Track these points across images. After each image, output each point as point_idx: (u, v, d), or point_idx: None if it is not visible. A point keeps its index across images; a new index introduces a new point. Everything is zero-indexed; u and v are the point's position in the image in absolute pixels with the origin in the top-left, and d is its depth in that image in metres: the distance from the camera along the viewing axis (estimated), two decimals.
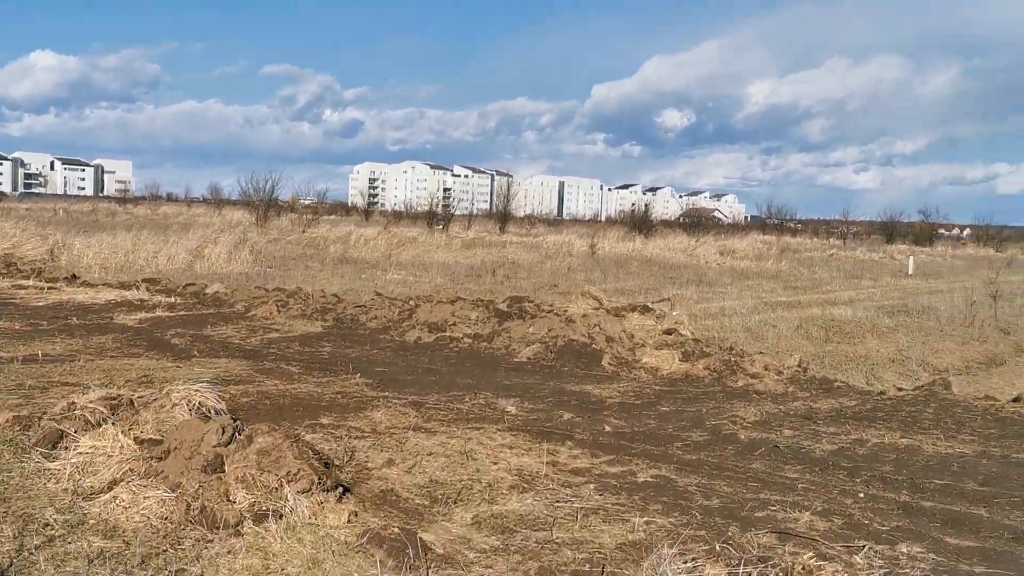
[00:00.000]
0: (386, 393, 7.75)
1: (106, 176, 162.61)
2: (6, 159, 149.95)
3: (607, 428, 6.89)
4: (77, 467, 4.97)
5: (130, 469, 4.87)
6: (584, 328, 10.82)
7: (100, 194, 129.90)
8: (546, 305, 13.10)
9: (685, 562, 4.12)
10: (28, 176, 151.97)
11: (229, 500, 4.46)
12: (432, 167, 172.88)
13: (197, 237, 23.50)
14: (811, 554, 4.25)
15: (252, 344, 10.24)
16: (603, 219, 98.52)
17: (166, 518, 4.39)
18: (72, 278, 16.24)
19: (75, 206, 62.35)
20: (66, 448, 5.23)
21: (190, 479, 4.58)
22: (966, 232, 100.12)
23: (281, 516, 4.42)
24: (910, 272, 31.86)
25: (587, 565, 4.24)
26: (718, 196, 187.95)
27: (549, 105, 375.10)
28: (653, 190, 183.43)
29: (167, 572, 3.87)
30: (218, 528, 4.27)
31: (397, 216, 61.37)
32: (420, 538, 4.32)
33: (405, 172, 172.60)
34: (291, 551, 4.16)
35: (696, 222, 61.31)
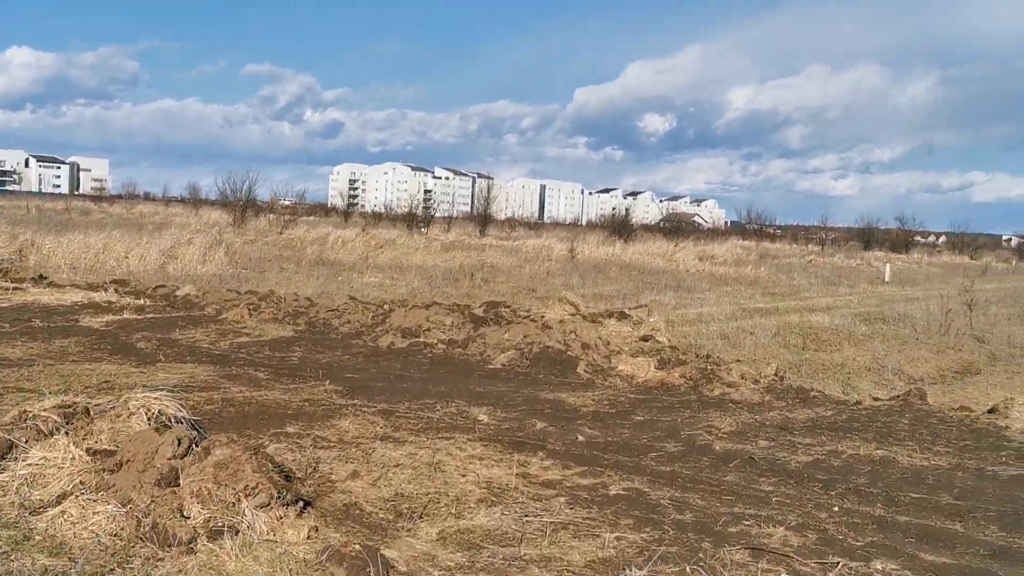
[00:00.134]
0: (355, 401, 7.57)
1: (82, 174, 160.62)
2: None
3: (580, 438, 6.76)
4: (25, 479, 4.75)
5: (81, 482, 4.67)
6: (560, 334, 10.70)
7: (76, 192, 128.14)
8: (523, 310, 12.96)
9: None
10: (2, 173, 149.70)
11: (183, 516, 4.28)
12: (413, 169, 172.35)
13: (171, 237, 23.15)
14: (784, 573, 4.14)
15: (221, 348, 10.02)
16: (584, 223, 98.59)
17: (116, 534, 4.20)
18: (39, 278, 15.89)
19: (49, 204, 61.40)
20: (15, 459, 5.01)
21: (142, 493, 4.39)
22: (941, 239, 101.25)
23: (237, 532, 4.25)
24: (887, 279, 32.07)
25: None
26: (698, 201, 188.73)
27: (531, 108, 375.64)
28: (634, 194, 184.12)
29: None
30: (170, 545, 4.09)
31: (377, 218, 61.01)
32: (382, 555, 4.16)
33: (386, 173, 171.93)
34: (246, 570, 3.98)
35: (676, 227, 61.53)
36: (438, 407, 7.51)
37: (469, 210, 79.84)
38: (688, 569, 4.27)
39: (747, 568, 4.38)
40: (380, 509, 4.97)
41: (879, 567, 4.47)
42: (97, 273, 18.23)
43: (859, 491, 5.71)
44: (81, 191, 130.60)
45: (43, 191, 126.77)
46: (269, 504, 4.44)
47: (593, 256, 34.44)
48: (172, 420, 5.62)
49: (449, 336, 11.09)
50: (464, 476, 5.60)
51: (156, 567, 3.94)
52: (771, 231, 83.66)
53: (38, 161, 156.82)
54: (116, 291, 14.58)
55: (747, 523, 5.01)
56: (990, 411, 7.94)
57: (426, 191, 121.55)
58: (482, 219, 55.76)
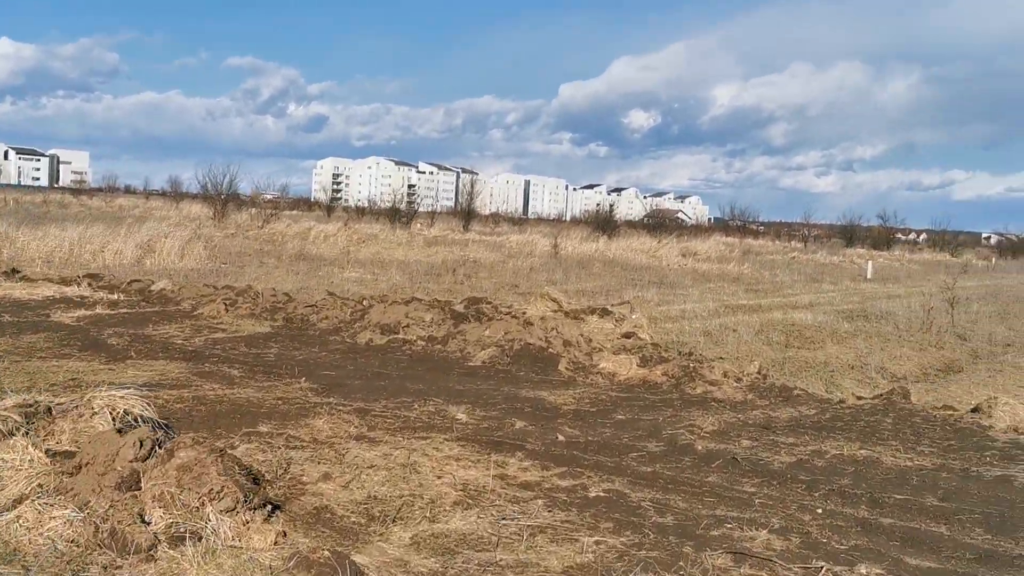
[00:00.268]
0: (331, 399, 7.40)
1: (62, 167, 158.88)
2: None
3: (560, 437, 6.62)
4: None
5: (39, 485, 4.48)
6: (541, 331, 10.56)
7: (55, 185, 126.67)
8: (504, 307, 12.81)
9: None
10: None
11: (144, 521, 4.10)
12: (397, 163, 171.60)
13: (148, 231, 22.81)
14: None
15: (195, 345, 9.80)
16: (568, 219, 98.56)
17: (73, 541, 4.02)
18: (11, 272, 15.56)
19: (27, 197, 60.61)
20: None
21: (102, 497, 4.21)
22: (922, 237, 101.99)
23: (200, 538, 4.08)
24: (869, 276, 32.18)
25: None
26: (682, 197, 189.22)
27: (516, 104, 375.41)
28: (618, 190, 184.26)
29: None
30: (129, 552, 3.91)
31: (360, 212, 60.59)
32: (352, 561, 4.01)
33: (369, 168, 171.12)
34: None
35: (660, 223, 61.54)
36: (415, 406, 7.35)
37: (453, 205, 79.59)
38: None
39: (729, 574, 4.26)
40: (352, 512, 4.81)
41: (863, 572, 4.36)
42: (72, 267, 17.91)
43: (843, 492, 5.61)
44: (61, 184, 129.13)
45: (22, 184, 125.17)
46: (235, 508, 4.27)
47: (577, 252, 34.34)
48: (139, 420, 5.44)
49: (429, 333, 10.93)
50: (440, 477, 5.45)
51: (114, 575, 3.76)
52: (754, 228, 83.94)
53: (17, 153, 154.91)
54: (89, 285, 14.30)
55: (729, 526, 4.89)
56: (973, 410, 7.88)
57: (410, 186, 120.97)
58: (466, 214, 55.56)
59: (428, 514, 4.83)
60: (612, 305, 13.02)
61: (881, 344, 13.01)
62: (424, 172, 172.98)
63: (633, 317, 12.04)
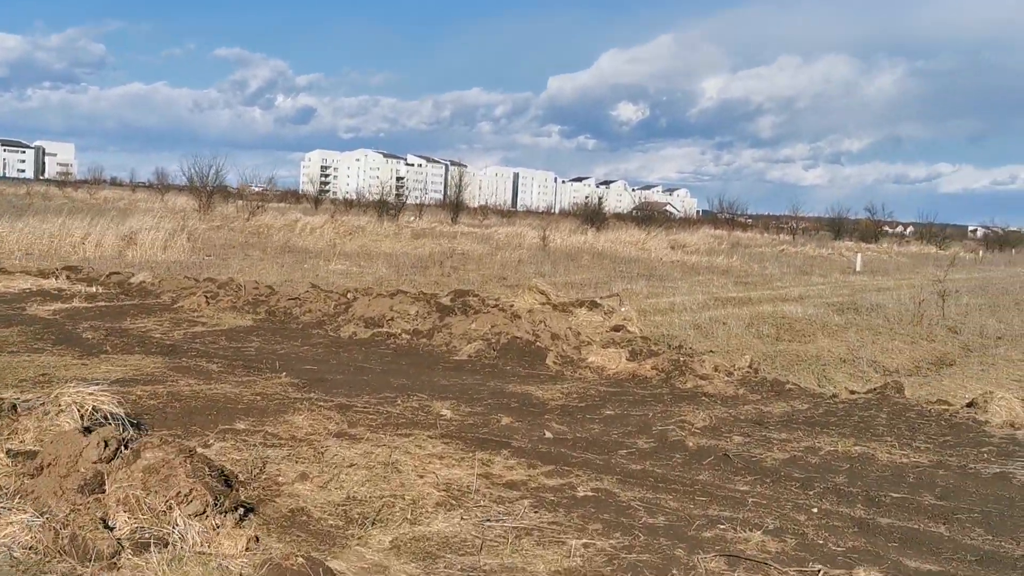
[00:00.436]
0: (311, 394, 7.17)
1: (47, 158, 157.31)
2: None
3: (548, 434, 6.43)
4: None
5: None
6: (529, 324, 10.36)
7: (40, 177, 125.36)
8: (491, 299, 12.59)
9: None
10: None
11: (107, 526, 3.88)
12: (385, 155, 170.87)
13: (131, 223, 22.46)
14: None
15: (174, 339, 9.55)
16: (557, 211, 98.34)
17: (31, 547, 3.79)
18: None
19: (10, 189, 59.82)
20: None
21: (63, 501, 3.99)
22: (909, 230, 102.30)
23: (167, 544, 3.86)
24: (858, 269, 32.14)
25: None
26: (670, 190, 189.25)
27: (504, 96, 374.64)
28: (607, 183, 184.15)
29: None
30: (90, 560, 3.69)
31: (348, 204, 60.18)
32: (328, 567, 3.80)
33: (358, 160, 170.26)
34: None
35: (648, 216, 61.35)
36: (398, 401, 7.14)
37: (442, 198, 79.21)
38: None
39: None
40: (330, 515, 4.60)
41: (862, 575, 4.20)
42: (52, 260, 17.58)
43: (838, 491, 5.45)
44: (46, 176, 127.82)
45: (7, 175, 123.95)
46: (204, 512, 4.05)
47: (565, 244, 34.14)
48: (108, 418, 5.21)
49: (414, 326, 10.71)
50: (422, 477, 5.25)
51: None
52: (742, 220, 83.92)
53: (2, 145, 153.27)
54: (68, 278, 14.00)
55: (722, 527, 4.72)
56: (969, 405, 7.73)
57: (398, 178, 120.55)
58: (454, 206, 55.26)
59: (409, 516, 4.63)
60: (601, 298, 12.83)
61: (872, 337, 12.87)
62: (412, 164, 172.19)
63: (622, 310, 11.86)
